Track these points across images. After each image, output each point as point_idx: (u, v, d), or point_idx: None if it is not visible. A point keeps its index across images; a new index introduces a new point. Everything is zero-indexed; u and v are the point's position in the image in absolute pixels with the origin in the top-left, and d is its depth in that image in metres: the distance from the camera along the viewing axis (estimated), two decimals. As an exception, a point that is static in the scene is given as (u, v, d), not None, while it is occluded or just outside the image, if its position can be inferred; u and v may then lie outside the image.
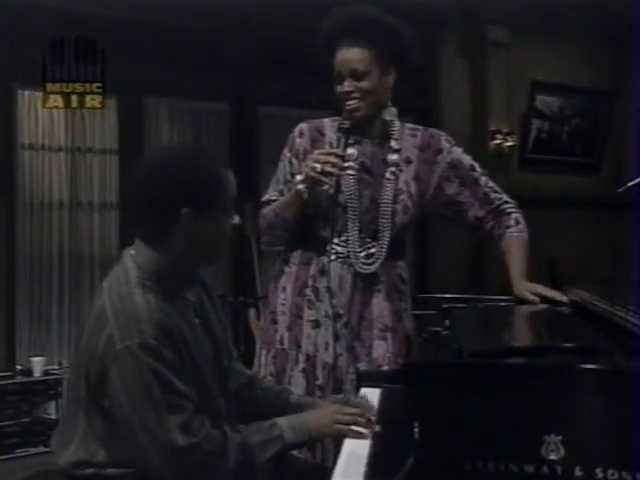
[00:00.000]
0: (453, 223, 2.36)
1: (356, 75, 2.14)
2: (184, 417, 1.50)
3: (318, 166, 2.06)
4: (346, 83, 2.15)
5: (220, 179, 1.61)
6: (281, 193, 2.25)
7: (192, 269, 1.67)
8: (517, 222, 2.30)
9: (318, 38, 2.19)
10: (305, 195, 2.12)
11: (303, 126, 2.29)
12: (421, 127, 2.32)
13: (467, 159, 2.31)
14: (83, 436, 1.59)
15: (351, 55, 2.13)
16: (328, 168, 2.06)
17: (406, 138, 2.27)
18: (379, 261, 2.21)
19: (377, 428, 1.62)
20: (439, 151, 2.28)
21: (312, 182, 2.10)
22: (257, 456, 1.56)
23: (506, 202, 2.32)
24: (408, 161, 2.25)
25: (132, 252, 1.64)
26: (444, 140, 2.30)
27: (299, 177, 2.15)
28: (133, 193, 1.65)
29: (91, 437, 1.58)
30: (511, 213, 2.31)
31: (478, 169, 2.32)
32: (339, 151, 2.11)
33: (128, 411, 1.50)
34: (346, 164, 2.14)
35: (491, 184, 2.32)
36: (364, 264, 2.20)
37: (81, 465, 1.59)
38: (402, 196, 2.22)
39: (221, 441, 1.53)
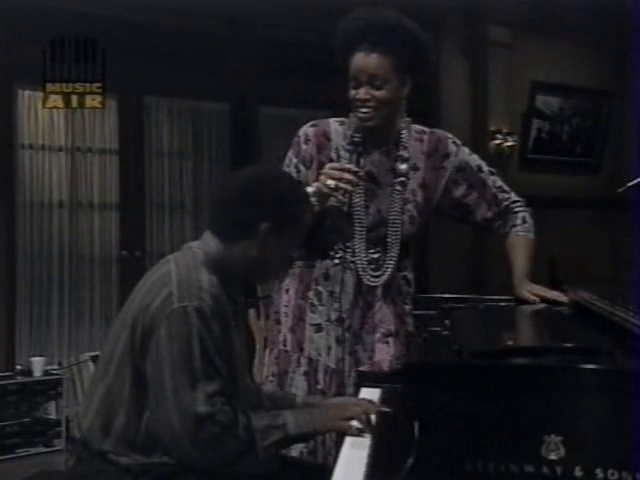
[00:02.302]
0: (460, 223, 2.35)
1: (374, 83, 2.06)
2: (212, 388, 1.56)
3: (332, 182, 2.02)
4: (362, 90, 2.07)
5: (300, 212, 1.74)
6: None
7: (246, 275, 1.77)
8: (524, 221, 2.29)
9: (335, 37, 2.12)
10: (316, 208, 2.07)
11: (308, 131, 2.22)
12: (427, 129, 2.27)
13: (474, 160, 2.27)
14: (107, 396, 1.64)
15: (370, 61, 2.05)
16: (342, 185, 2.02)
17: (413, 144, 2.22)
18: (387, 273, 2.19)
19: (379, 421, 1.62)
20: (446, 156, 2.23)
21: (325, 197, 2.06)
22: (258, 440, 1.60)
23: (514, 201, 2.30)
24: (415, 168, 2.21)
25: (198, 242, 1.74)
26: (451, 143, 2.25)
27: (310, 189, 2.08)
28: (221, 195, 1.78)
29: (115, 399, 1.63)
30: (518, 212, 2.29)
31: (485, 169, 2.28)
32: (353, 167, 2.06)
33: (165, 368, 1.56)
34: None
35: (499, 183, 2.29)
36: (372, 276, 2.18)
37: (102, 429, 1.63)
38: (408, 206, 2.20)
39: (232, 416, 1.59)
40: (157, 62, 5.07)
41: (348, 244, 2.18)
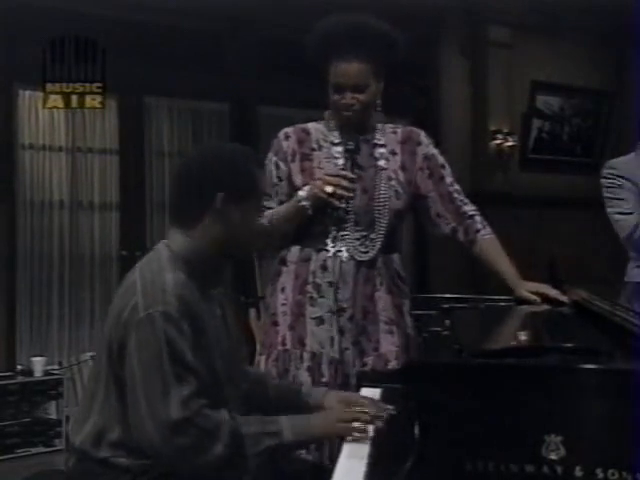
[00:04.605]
0: (419, 219, 2.42)
1: (357, 89, 2.19)
2: (187, 391, 1.53)
3: (330, 188, 2.13)
4: (347, 95, 2.20)
5: (254, 176, 1.72)
6: (269, 197, 2.29)
7: (219, 259, 1.73)
8: (484, 225, 2.34)
9: (312, 41, 2.22)
10: (309, 212, 2.19)
11: (287, 129, 2.35)
12: (400, 125, 2.41)
13: (441, 158, 2.37)
14: (100, 411, 1.63)
15: (353, 70, 2.17)
16: (339, 191, 2.13)
17: (388, 135, 2.35)
18: (377, 247, 2.24)
19: (379, 425, 1.61)
20: (418, 143, 2.35)
21: (320, 201, 2.16)
22: (248, 447, 1.56)
23: (468, 204, 2.35)
24: (393, 153, 2.32)
25: (165, 241, 1.72)
26: (423, 136, 2.38)
27: (302, 193, 2.20)
28: (174, 183, 1.76)
29: (108, 413, 1.61)
30: (474, 216, 2.34)
31: (448, 169, 2.37)
32: (348, 173, 2.18)
33: (137, 377, 1.54)
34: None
35: (457, 187, 2.36)
36: (361, 252, 2.23)
37: (96, 442, 1.62)
38: (392, 182, 2.28)
39: (214, 421, 1.55)
40: (157, 62, 5.07)
41: (341, 233, 2.23)
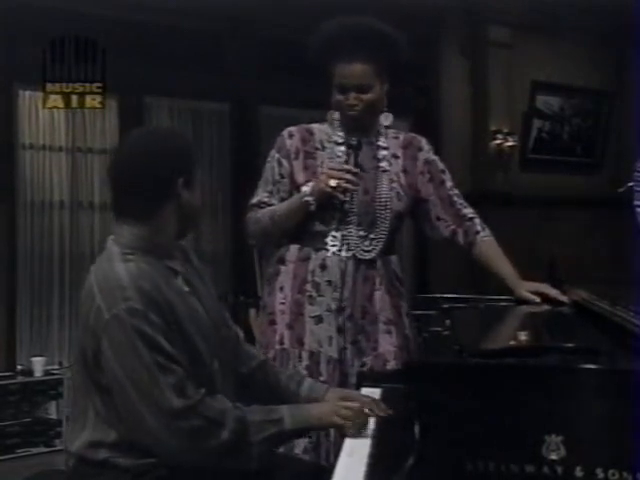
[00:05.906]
0: (418, 224, 2.45)
1: (360, 89, 2.22)
2: (176, 379, 1.52)
3: (334, 182, 2.14)
4: (351, 96, 2.22)
5: (194, 155, 1.75)
6: (270, 193, 2.31)
7: (172, 240, 1.71)
8: (483, 227, 2.36)
9: (315, 43, 2.24)
10: (313, 207, 2.19)
11: (291, 128, 2.36)
12: (402, 132, 2.44)
13: (441, 164, 2.41)
14: (94, 424, 1.61)
15: (355, 71, 2.20)
16: (344, 184, 2.14)
17: (390, 139, 2.37)
18: (378, 247, 2.26)
19: (374, 427, 1.62)
20: (419, 149, 2.39)
21: (324, 196, 2.17)
22: (252, 434, 1.56)
23: (467, 207, 2.38)
24: (395, 156, 2.35)
25: (112, 237, 1.69)
26: (424, 142, 2.42)
27: (306, 189, 2.21)
28: (121, 176, 1.69)
29: (101, 422, 1.60)
30: (473, 218, 2.36)
31: (448, 175, 2.40)
32: (352, 167, 2.19)
33: (121, 378, 1.52)
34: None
35: (457, 192, 2.39)
36: (364, 251, 2.25)
37: (94, 446, 1.60)
38: (394, 184, 2.31)
39: (218, 408, 1.55)
40: (157, 62, 5.07)
41: (342, 232, 2.24)
